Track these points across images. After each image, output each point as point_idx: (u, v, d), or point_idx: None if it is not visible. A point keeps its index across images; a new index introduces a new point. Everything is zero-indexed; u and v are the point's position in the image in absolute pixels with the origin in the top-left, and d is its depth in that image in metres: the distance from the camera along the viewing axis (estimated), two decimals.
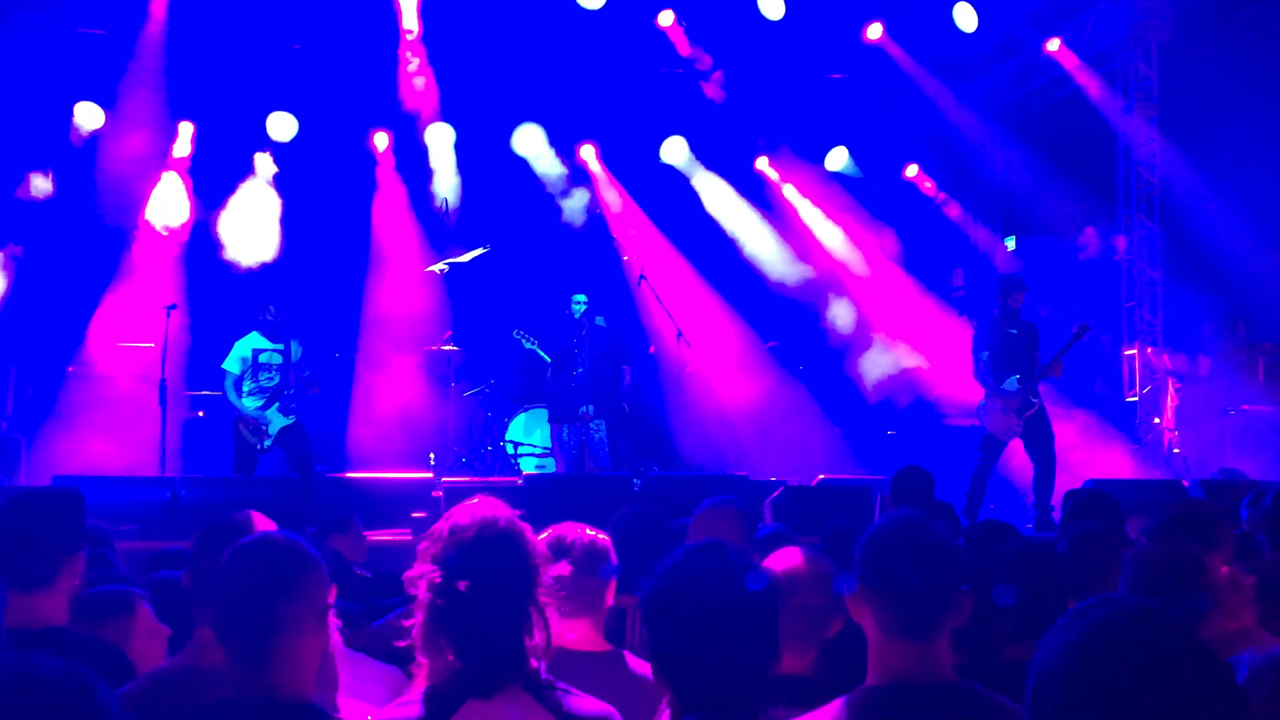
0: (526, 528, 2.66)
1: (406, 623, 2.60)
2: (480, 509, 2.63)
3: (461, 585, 2.51)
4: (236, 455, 10.32)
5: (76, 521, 3.35)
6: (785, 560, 3.15)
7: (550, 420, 11.74)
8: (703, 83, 14.08)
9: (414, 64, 13.31)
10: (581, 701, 2.63)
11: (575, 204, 14.29)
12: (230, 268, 12.84)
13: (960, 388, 12.55)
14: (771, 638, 2.39)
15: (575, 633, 3.42)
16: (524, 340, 12.18)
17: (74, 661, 1.71)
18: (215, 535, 3.14)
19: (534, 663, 2.58)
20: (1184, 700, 1.55)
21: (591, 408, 11.25)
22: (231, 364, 10.33)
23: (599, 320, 11.78)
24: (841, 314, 14.26)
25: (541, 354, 12.22)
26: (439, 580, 2.54)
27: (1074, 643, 1.63)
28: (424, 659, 2.57)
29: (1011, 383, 10.21)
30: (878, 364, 13.72)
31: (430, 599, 2.54)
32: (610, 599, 3.54)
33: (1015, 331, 10.41)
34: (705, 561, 2.40)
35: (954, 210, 15.75)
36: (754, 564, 2.44)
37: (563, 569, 3.38)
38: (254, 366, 10.32)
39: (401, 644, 2.62)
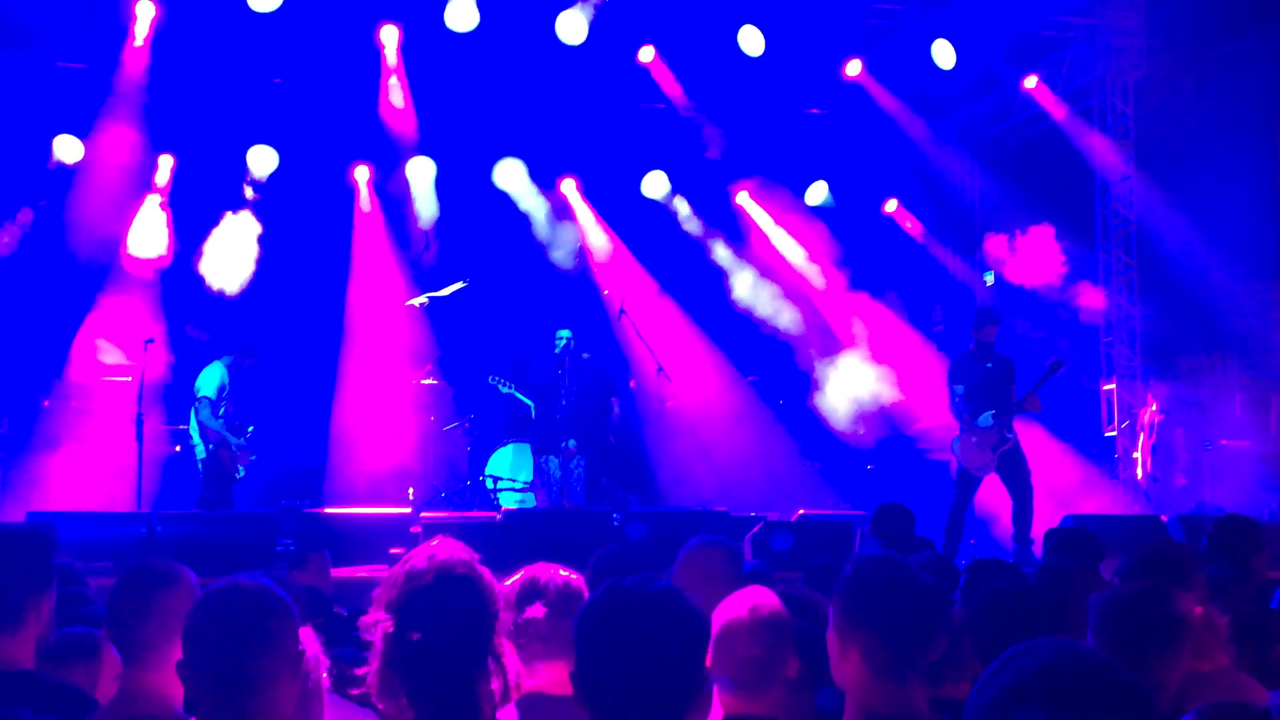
0: (485, 572, 2.62)
1: (359, 670, 2.57)
2: (438, 552, 2.59)
3: (414, 635, 2.48)
4: (221, 485, 10.34)
5: (42, 563, 3.28)
6: (730, 609, 3.14)
7: (534, 452, 11.72)
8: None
9: (395, 98, 13.33)
10: None
11: (562, 248, 14.32)
12: (209, 302, 12.80)
13: (939, 422, 12.58)
14: (695, 668, 2.39)
15: (550, 676, 3.38)
16: (500, 385, 12.25)
17: (42, 708, 1.69)
18: (132, 583, 3.03)
19: (487, 709, 2.54)
20: None
21: (573, 442, 11.22)
22: (210, 389, 10.34)
23: (584, 355, 11.81)
24: (817, 347, 14.26)
25: (520, 397, 12.29)
26: (391, 628, 2.51)
27: (1008, 689, 1.57)
28: (379, 705, 2.54)
29: (986, 418, 10.21)
30: (850, 396, 13.69)
31: (384, 646, 2.51)
32: None
33: (990, 365, 10.43)
34: (634, 587, 2.42)
35: (933, 245, 15.81)
36: (680, 592, 2.44)
37: (537, 611, 3.36)
38: (225, 397, 10.40)
39: (356, 691, 2.59)
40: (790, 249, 15.05)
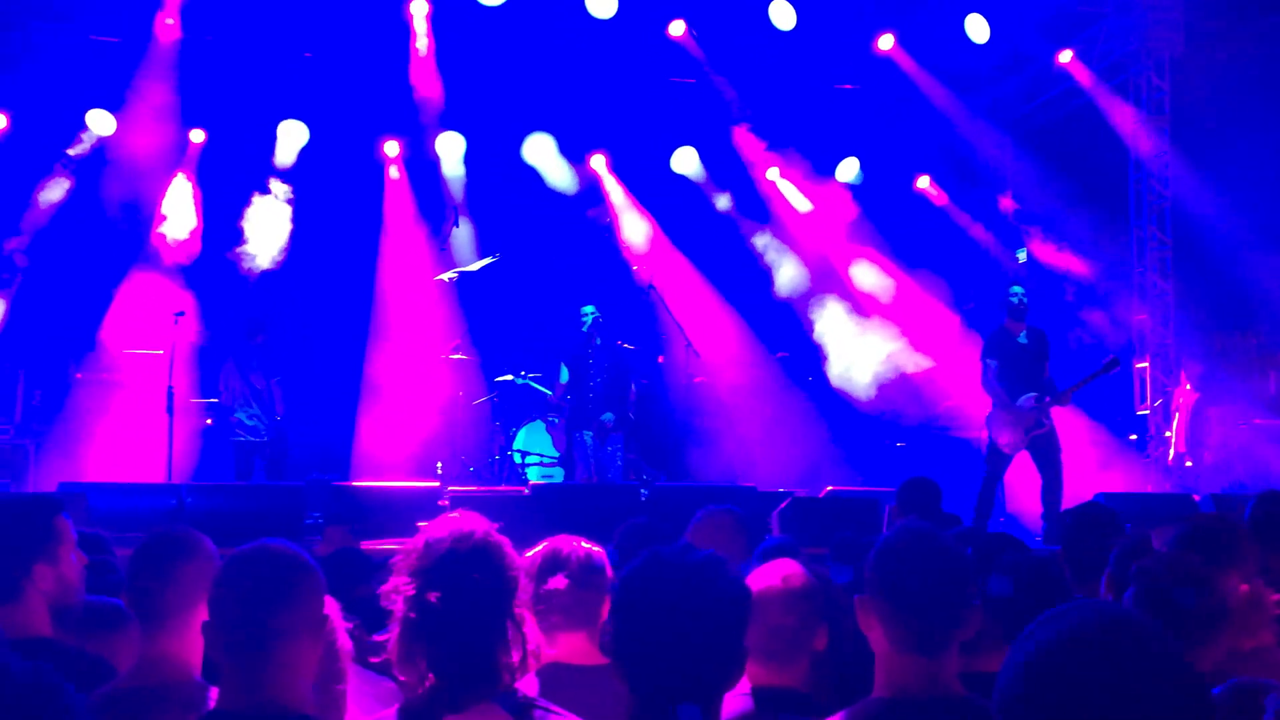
0: (505, 541, 2.62)
1: (379, 637, 2.58)
2: (457, 522, 2.59)
3: (432, 596, 2.48)
4: None
5: (38, 532, 3.24)
6: (762, 579, 3.12)
7: (569, 429, 11.73)
8: None
9: (425, 72, 13.33)
10: None
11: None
12: (239, 275, 12.87)
13: (969, 401, 12.51)
14: (737, 641, 2.36)
15: (572, 646, 3.40)
16: (518, 379, 12.27)
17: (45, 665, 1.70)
18: (151, 550, 3.03)
19: (506, 677, 2.54)
20: (1151, 713, 1.47)
21: (612, 416, 11.24)
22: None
23: (624, 345, 11.85)
24: (845, 322, 14.18)
25: (538, 388, 12.31)
26: (412, 592, 2.51)
27: (1037, 650, 1.54)
28: (399, 675, 2.54)
29: (1025, 400, 10.17)
30: (878, 369, 13.64)
31: (404, 612, 2.51)
32: (607, 612, 3.51)
33: (1025, 341, 10.37)
34: (678, 555, 2.38)
35: (965, 221, 15.69)
36: (724, 562, 2.40)
37: (559, 582, 3.36)
38: None
39: (376, 659, 2.59)
40: (817, 222, 14.96)
